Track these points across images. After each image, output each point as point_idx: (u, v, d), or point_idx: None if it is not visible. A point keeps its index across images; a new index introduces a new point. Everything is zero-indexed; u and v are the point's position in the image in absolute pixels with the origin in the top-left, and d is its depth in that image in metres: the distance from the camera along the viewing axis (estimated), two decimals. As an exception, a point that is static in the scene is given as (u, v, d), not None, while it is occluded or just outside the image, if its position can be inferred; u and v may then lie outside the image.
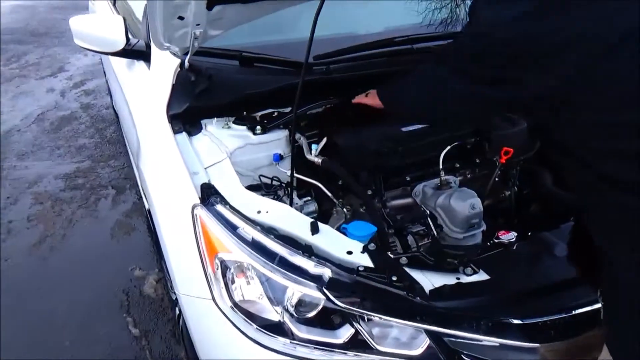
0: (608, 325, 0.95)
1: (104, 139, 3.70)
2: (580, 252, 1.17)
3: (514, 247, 1.24)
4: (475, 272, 1.14)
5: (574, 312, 1.07)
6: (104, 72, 3.89)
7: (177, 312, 1.69)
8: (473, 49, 0.99)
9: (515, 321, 1.03)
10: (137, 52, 1.81)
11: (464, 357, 1.05)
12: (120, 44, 1.72)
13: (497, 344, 1.03)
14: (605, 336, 0.96)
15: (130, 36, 1.76)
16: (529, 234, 1.35)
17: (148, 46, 1.77)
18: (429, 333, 1.05)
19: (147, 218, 2.37)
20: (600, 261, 0.94)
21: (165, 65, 1.60)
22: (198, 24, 1.35)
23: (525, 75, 0.90)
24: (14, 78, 4.90)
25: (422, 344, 1.06)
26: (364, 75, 1.67)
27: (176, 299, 1.49)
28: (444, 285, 1.09)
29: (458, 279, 1.13)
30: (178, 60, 1.54)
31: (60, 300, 2.17)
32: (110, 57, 2.30)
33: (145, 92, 1.81)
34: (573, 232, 1.28)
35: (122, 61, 2.13)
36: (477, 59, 0.98)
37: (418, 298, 1.05)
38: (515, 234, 1.29)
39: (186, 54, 1.51)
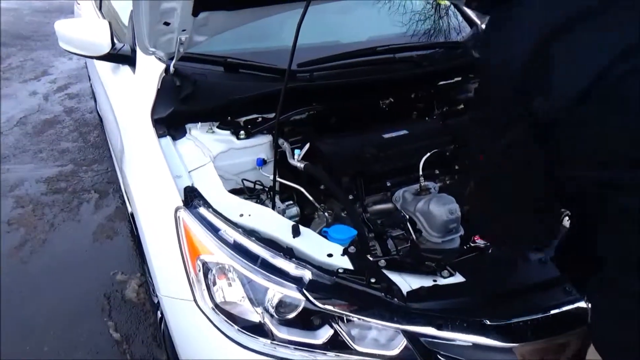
0: (597, 327, 0.92)
1: (87, 142, 3.68)
2: (556, 256, 1.20)
3: (489, 251, 1.28)
4: (451, 275, 1.18)
5: (548, 314, 1.10)
6: (89, 76, 3.87)
7: (159, 315, 1.70)
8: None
9: (489, 322, 1.06)
10: (122, 57, 1.82)
11: (440, 357, 1.07)
12: (106, 48, 1.74)
13: (471, 344, 1.06)
14: (594, 338, 0.94)
15: (115, 40, 1.77)
16: (505, 238, 1.39)
17: (133, 51, 1.79)
18: (406, 333, 1.07)
19: (130, 222, 2.37)
20: (590, 265, 0.91)
21: (150, 70, 1.62)
22: (184, 30, 1.38)
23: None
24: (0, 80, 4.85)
25: (400, 345, 1.09)
26: (347, 82, 1.71)
27: (158, 302, 1.50)
28: (421, 287, 1.12)
29: (435, 281, 1.16)
30: (163, 65, 1.56)
31: (40, 304, 2.15)
32: (95, 61, 2.31)
33: (130, 97, 1.82)
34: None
35: (107, 65, 2.14)
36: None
37: (395, 299, 1.07)
38: (491, 239, 1.33)
39: (171, 59, 1.53)
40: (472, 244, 1.34)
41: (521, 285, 1.16)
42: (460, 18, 2.37)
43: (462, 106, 1.95)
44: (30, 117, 4.10)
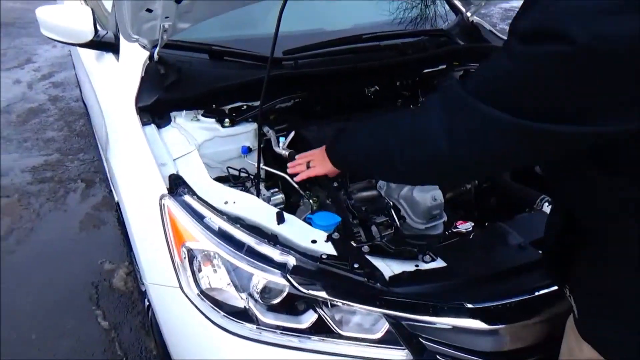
0: (586, 319, 0.90)
1: (73, 132, 3.65)
2: (535, 242, 1.22)
3: (471, 237, 1.30)
4: (433, 260, 1.20)
5: (529, 295, 1.13)
6: (73, 64, 3.82)
7: (147, 303, 1.71)
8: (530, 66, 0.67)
9: (470, 305, 1.09)
10: (105, 44, 1.80)
11: (422, 341, 1.10)
12: (89, 35, 1.72)
13: (452, 327, 1.08)
14: (582, 333, 0.91)
15: (99, 27, 1.75)
16: (486, 224, 1.42)
17: (117, 38, 1.77)
18: (388, 317, 1.10)
19: (117, 212, 2.37)
20: (578, 257, 0.91)
21: (134, 58, 1.61)
22: (167, 17, 1.37)
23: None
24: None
25: (382, 329, 1.11)
26: (332, 70, 1.71)
27: (145, 290, 1.51)
28: (403, 272, 1.14)
29: (417, 266, 1.18)
30: (147, 53, 1.55)
31: (27, 293, 2.15)
32: (79, 48, 2.28)
33: (114, 84, 1.81)
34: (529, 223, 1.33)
35: (91, 53, 2.12)
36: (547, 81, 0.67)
37: (378, 284, 1.09)
38: (472, 224, 1.36)
39: (155, 46, 1.52)
40: (454, 230, 1.36)
41: (501, 269, 1.18)
42: (446, 7, 2.37)
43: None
44: (14, 105, 4.04)
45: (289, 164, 1.27)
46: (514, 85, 0.71)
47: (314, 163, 1.20)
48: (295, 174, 1.37)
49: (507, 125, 0.71)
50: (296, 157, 1.35)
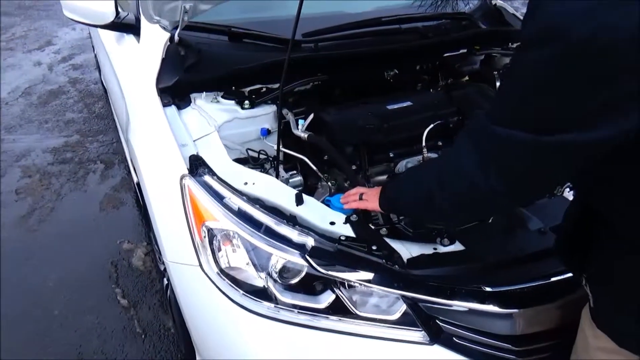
0: (601, 308, 0.90)
1: (92, 113, 3.69)
2: (556, 228, 1.21)
3: (490, 220, 1.29)
4: (451, 243, 1.20)
5: (546, 281, 1.12)
6: (93, 47, 3.86)
7: (165, 282, 1.74)
8: (541, 70, 0.66)
9: (487, 288, 1.09)
10: (126, 26, 1.82)
11: (439, 322, 1.10)
12: (110, 16, 1.73)
13: (469, 310, 1.09)
14: (599, 324, 0.91)
15: (120, 9, 1.76)
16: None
17: (138, 19, 1.79)
18: (406, 299, 1.10)
19: (136, 193, 2.40)
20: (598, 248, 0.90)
21: (155, 39, 1.62)
22: (188, -2, 1.37)
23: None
24: (1, 51, 4.84)
25: (400, 310, 1.11)
26: (351, 53, 1.70)
27: (164, 269, 1.53)
28: (421, 255, 1.14)
29: (435, 249, 1.18)
30: (168, 34, 1.56)
31: (49, 271, 2.21)
32: (99, 30, 2.30)
33: (134, 66, 1.82)
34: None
35: (111, 35, 2.14)
36: (551, 86, 0.66)
37: (396, 266, 1.10)
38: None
39: (176, 28, 1.53)
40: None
41: (520, 254, 1.18)
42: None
43: (466, 78, 1.94)
44: (35, 87, 4.11)
45: (345, 193, 1.30)
46: (527, 97, 0.70)
47: (366, 197, 1.21)
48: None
49: (528, 142, 0.70)
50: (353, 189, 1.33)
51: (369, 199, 1.19)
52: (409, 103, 1.64)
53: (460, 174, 0.85)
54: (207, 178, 1.25)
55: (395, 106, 1.62)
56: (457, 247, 1.19)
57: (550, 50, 0.63)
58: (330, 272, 1.10)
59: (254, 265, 1.16)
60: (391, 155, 1.54)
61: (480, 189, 0.81)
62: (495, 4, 2.18)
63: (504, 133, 0.73)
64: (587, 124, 0.65)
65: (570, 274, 1.11)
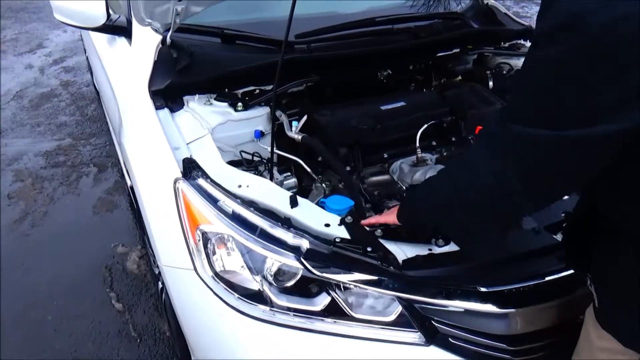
0: (606, 308, 0.90)
1: (84, 116, 3.67)
2: (552, 226, 1.21)
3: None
4: (446, 244, 1.19)
5: (542, 280, 1.13)
6: (84, 49, 3.83)
7: (160, 286, 1.73)
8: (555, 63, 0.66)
9: (482, 288, 1.09)
10: (118, 28, 1.81)
11: (435, 323, 1.10)
12: (101, 19, 1.72)
13: (463, 310, 1.09)
14: (602, 323, 0.91)
15: (111, 11, 1.75)
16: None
17: (129, 22, 1.78)
18: (401, 300, 1.10)
19: (129, 196, 2.39)
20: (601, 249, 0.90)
21: (146, 42, 1.61)
22: (180, 0, 1.36)
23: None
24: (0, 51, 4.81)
25: (395, 311, 1.11)
26: (344, 54, 1.70)
27: (159, 273, 1.52)
28: (417, 256, 1.14)
29: (430, 250, 1.18)
30: (160, 37, 1.55)
31: (42, 275, 2.19)
32: (90, 33, 2.29)
33: (126, 69, 1.81)
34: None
35: (103, 37, 2.12)
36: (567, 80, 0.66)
37: (392, 268, 1.09)
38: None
39: (168, 30, 1.52)
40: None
41: (515, 253, 1.18)
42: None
43: (460, 78, 1.95)
44: (27, 90, 4.08)
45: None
46: (549, 92, 0.69)
47: (386, 212, 1.20)
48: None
49: (550, 139, 0.69)
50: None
51: (388, 213, 1.18)
52: (402, 103, 1.64)
53: (477, 179, 0.83)
54: (201, 181, 1.24)
55: (389, 107, 1.62)
56: (452, 247, 1.19)
57: (571, 40, 0.63)
58: (325, 275, 1.10)
59: (249, 268, 1.16)
60: (385, 155, 1.54)
61: (498, 192, 0.81)
62: (487, 3, 2.19)
63: (524, 132, 0.72)
64: (609, 115, 0.65)
65: (565, 273, 1.12)
